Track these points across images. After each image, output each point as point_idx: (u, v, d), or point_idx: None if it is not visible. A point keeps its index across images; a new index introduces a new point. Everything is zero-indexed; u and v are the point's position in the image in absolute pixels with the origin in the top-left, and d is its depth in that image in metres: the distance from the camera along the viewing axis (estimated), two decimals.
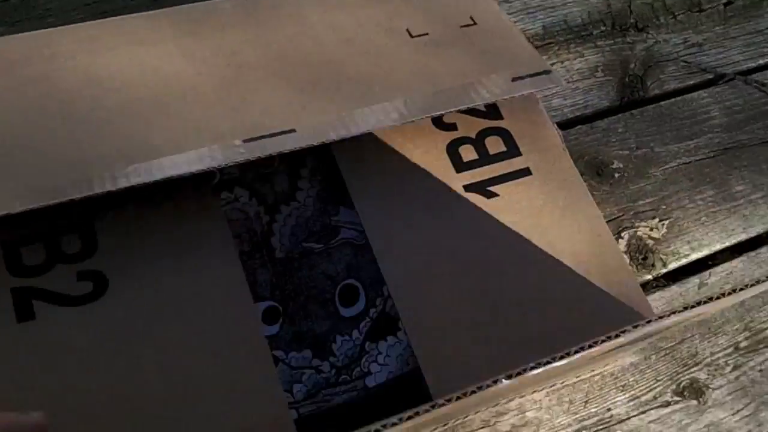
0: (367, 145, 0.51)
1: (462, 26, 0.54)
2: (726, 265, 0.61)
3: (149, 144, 0.44)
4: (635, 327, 0.35)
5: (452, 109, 0.48)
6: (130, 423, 0.42)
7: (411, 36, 0.53)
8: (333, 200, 0.54)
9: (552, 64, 0.67)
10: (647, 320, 0.35)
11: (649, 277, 0.60)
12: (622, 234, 0.60)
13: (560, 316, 0.48)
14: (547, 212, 0.52)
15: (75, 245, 0.45)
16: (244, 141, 0.45)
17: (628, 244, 0.60)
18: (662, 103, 0.68)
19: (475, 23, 0.54)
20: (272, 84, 0.48)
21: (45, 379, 0.41)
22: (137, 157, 0.43)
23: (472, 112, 0.54)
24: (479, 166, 0.52)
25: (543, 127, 0.54)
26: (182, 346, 0.44)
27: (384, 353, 0.50)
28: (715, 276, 0.61)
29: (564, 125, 0.65)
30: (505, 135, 0.54)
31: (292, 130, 0.46)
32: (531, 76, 0.51)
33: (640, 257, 0.60)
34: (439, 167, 0.51)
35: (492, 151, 0.53)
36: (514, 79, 0.51)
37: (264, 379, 0.45)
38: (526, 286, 0.49)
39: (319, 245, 0.53)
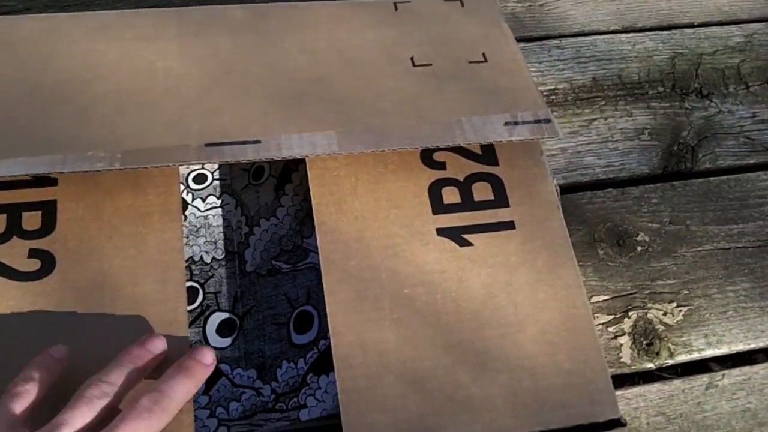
0: (344, 168, 0.50)
1: (470, 62, 0.52)
2: (745, 369, 0.54)
3: (115, 133, 0.45)
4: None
5: (429, 146, 0.46)
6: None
7: (413, 65, 0.51)
8: (309, 222, 0.52)
9: (593, 120, 0.62)
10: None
11: (651, 365, 0.54)
12: (630, 313, 0.55)
13: (505, 386, 0.44)
14: (522, 272, 0.48)
15: (35, 223, 0.46)
16: (206, 144, 0.45)
17: (634, 325, 0.55)
18: (711, 179, 0.61)
19: (485, 60, 0.52)
20: (255, 93, 0.48)
21: None
22: (101, 144, 0.44)
23: (465, 153, 0.51)
24: (459, 211, 0.49)
25: (540, 180, 0.51)
26: (110, 335, 0.44)
27: (323, 388, 0.48)
28: (729, 379, 0.54)
29: (592, 186, 0.60)
30: (495, 183, 0.50)
31: (257, 141, 0.45)
32: (527, 122, 0.48)
33: (645, 342, 0.54)
34: (416, 205, 0.49)
35: (477, 197, 0.50)
36: (506, 123, 0.48)
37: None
38: (477, 345, 0.45)
39: (287, 265, 0.51)
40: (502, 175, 0.51)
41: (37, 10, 0.63)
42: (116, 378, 0.39)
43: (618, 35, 0.67)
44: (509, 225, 0.49)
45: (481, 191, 0.50)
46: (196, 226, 0.52)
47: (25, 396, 0.38)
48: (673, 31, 0.68)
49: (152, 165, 0.44)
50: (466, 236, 0.48)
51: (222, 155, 0.44)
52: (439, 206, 0.49)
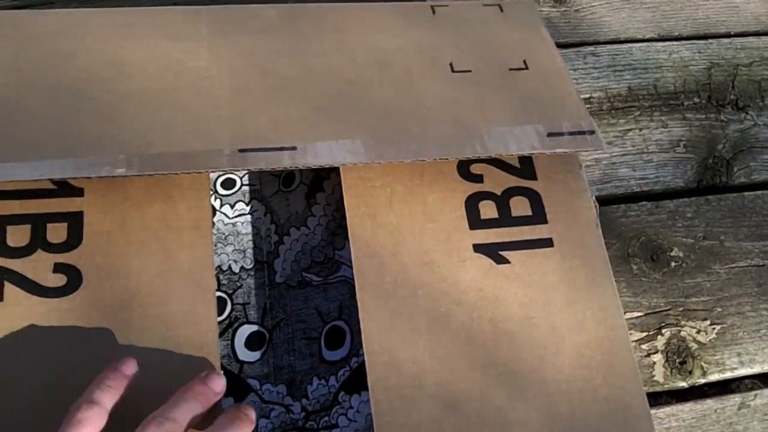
0: (379, 179, 0.48)
1: (511, 69, 0.50)
2: None
3: (143, 136, 0.43)
4: None
5: (470, 156, 0.45)
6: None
7: (452, 70, 0.50)
8: (342, 233, 0.51)
9: (628, 130, 0.61)
10: None
11: (684, 384, 0.53)
12: (663, 330, 0.54)
13: (541, 411, 0.44)
14: (560, 292, 0.47)
15: (61, 235, 0.45)
16: (239, 150, 0.43)
17: (668, 343, 0.54)
18: (746, 193, 0.60)
19: (526, 67, 0.50)
20: (290, 96, 0.47)
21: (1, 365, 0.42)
22: (127, 147, 0.43)
23: (503, 165, 0.50)
24: (496, 227, 0.48)
25: (579, 196, 0.49)
26: (138, 358, 0.43)
27: (355, 408, 0.47)
28: (762, 399, 0.53)
29: (626, 199, 0.59)
30: (533, 197, 0.49)
31: (293, 148, 0.44)
32: (571, 134, 0.47)
33: (678, 360, 0.53)
34: (452, 219, 0.48)
35: (515, 212, 0.49)
36: (549, 134, 0.46)
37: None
38: (514, 368, 0.44)
39: (318, 278, 0.50)
40: (540, 189, 0.49)
41: (61, 4, 0.62)
42: (180, 415, 0.37)
43: (654, 44, 0.65)
44: (547, 242, 0.48)
45: (519, 206, 0.49)
46: (224, 234, 0.51)
47: (88, 425, 0.36)
48: (710, 40, 0.67)
49: (182, 171, 0.42)
50: (503, 253, 0.47)
51: (256, 162, 0.43)
52: (476, 221, 0.48)
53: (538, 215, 0.49)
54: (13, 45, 0.47)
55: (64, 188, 0.47)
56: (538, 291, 0.46)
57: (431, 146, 0.45)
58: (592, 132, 0.47)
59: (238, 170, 0.47)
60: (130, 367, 0.40)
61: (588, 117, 0.48)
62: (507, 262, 0.47)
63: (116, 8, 0.51)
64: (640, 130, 0.61)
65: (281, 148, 0.44)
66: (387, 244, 0.46)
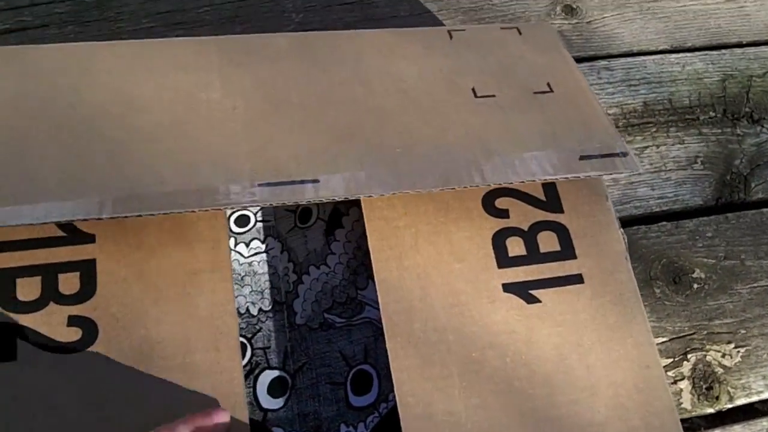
0: (403, 219, 0.47)
1: (536, 92, 0.49)
2: None
3: (156, 172, 0.41)
4: None
5: (501, 182, 0.43)
6: None
7: (475, 96, 0.48)
8: (364, 272, 0.50)
9: (645, 147, 0.60)
10: None
11: (711, 410, 0.52)
12: (689, 356, 0.53)
13: None
14: (593, 330, 0.46)
15: (73, 285, 0.43)
16: (259, 185, 0.41)
17: (693, 369, 0.53)
18: (765, 210, 0.59)
19: (551, 90, 0.49)
20: (308, 127, 0.45)
21: (15, 425, 0.40)
22: (140, 186, 0.40)
23: (528, 199, 0.48)
24: (525, 264, 0.47)
25: (607, 228, 0.48)
26: (162, 411, 0.41)
27: None
28: None
29: (646, 219, 0.58)
30: (561, 232, 0.48)
31: (316, 180, 0.42)
32: (602, 156, 0.45)
33: (704, 386, 0.53)
34: (480, 258, 0.46)
35: (543, 248, 0.47)
36: (581, 158, 0.45)
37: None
38: (551, 413, 0.43)
39: (341, 319, 0.49)
40: (567, 223, 0.48)
41: (56, 27, 0.59)
42: None
43: (667, 55, 0.64)
44: (577, 278, 0.47)
45: (547, 241, 0.47)
46: (240, 275, 0.49)
47: None
48: (723, 51, 0.65)
49: (199, 208, 0.40)
50: (533, 292, 0.46)
51: (279, 196, 0.41)
52: (504, 259, 0.46)
53: (567, 250, 0.47)
54: (14, 81, 0.45)
55: (75, 235, 0.44)
56: (571, 330, 0.45)
57: (462, 174, 0.43)
58: (625, 154, 0.46)
59: (256, 205, 0.44)
60: (222, 417, 0.39)
61: (620, 138, 0.47)
62: (538, 301, 0.46)
63: (120, 41, 0.49)
64: (657, 147, 0.60)
65: (302, 181, 0.42)
66: (414, 287, 0.45)
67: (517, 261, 0.47)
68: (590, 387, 0.44)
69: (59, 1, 0.59)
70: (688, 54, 0.65)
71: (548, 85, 0.50)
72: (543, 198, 0.49)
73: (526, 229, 0.48)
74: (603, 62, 0.63)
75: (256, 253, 0.50)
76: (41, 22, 0.59)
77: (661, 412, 0.44)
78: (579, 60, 0.63)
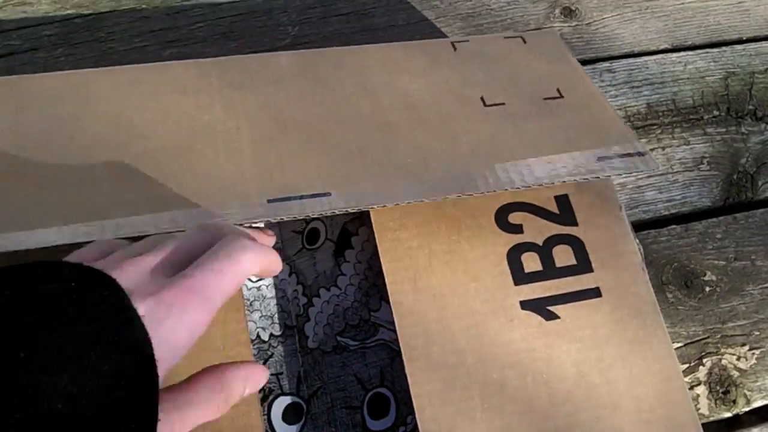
0: (416, 239, 0.46)
1: (546, 98, 0.48)
2: None
3: (161, 201, 0.40)
4: None
5: (518, 187, 0.42)
6: None
7: (485, 104, 0.47)
8: (376, 293, 0.49)
9: (651, 150, 0.59)
10: None
11: (728, 414, 0.52)
12: (704, 360, 0.53)
13: None
14: (613, 345, 0.45)
15: None
16: (269, 201, 0.40)
17: (709, 373, 0.53)
18: None
19: (561, 96, 0.48)
20: (316, 146, 0.44)
21: None
22: (144, 209, 0.39)
23: (542, 213, 0.48)
24: (541, 280, 0.46)
25: (623, 240, 0.48)
26: None
27: None
28: None
29: (656, 223, 0.57)
30: (576, 245, 0.47)
31: (327, 194, 0.41)
32: (621, 156, 0.45)
33: (721, 390, 0.52)
34: (496, 276, 0.45)
35: (559, 263, 0.46)
36: (600, 159, 0.44)
37: None
38: (575, 430, 0.43)
39: (354, 342, 0.48)
40: (582, 236, 0.47)
41: (45, 50, 0.57)
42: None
43: (668, 55, 0.63)
44: (595, 292, 0.46)
45: (563, 256, 0.47)
46: (248, 300, 0.48)
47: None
48: (723, 48, 0.65)
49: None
50: (551, 308, 0.45)
51: (290, 210, 0.40)
52: (520, 275, 0.46)
53: (583, 264, 0.47)
54: (11, 112, 0.44)
55: None
56: (590, 346, 0.45)
57: (481, 181, 0.43)
58: (643, 153, 0.45)
59: (264, 220, 0.43)
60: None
61: (636, 138, 0.46)
62: (556, 317, 0.45)
63: (117, 67, 0.48)
64: (663, 149, 0.60)
65: (313, 195, 0.41)
66: (430, 309, 0.44)
67: (534, 277, 0.46)
68: (612, 404, 0.43)
69: (48, 23, 0.57)
70: (690, 52, 0.64)
71: (558, 90, 0.49)
72: (556, 211, 0.48)
73: (540, 243, 0.47)
74: (605, 64, 0.62)
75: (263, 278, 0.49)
76: (30, 46, 0.57)
77: (685, 425, 0.44)
78: (580, 63, 0.62)
